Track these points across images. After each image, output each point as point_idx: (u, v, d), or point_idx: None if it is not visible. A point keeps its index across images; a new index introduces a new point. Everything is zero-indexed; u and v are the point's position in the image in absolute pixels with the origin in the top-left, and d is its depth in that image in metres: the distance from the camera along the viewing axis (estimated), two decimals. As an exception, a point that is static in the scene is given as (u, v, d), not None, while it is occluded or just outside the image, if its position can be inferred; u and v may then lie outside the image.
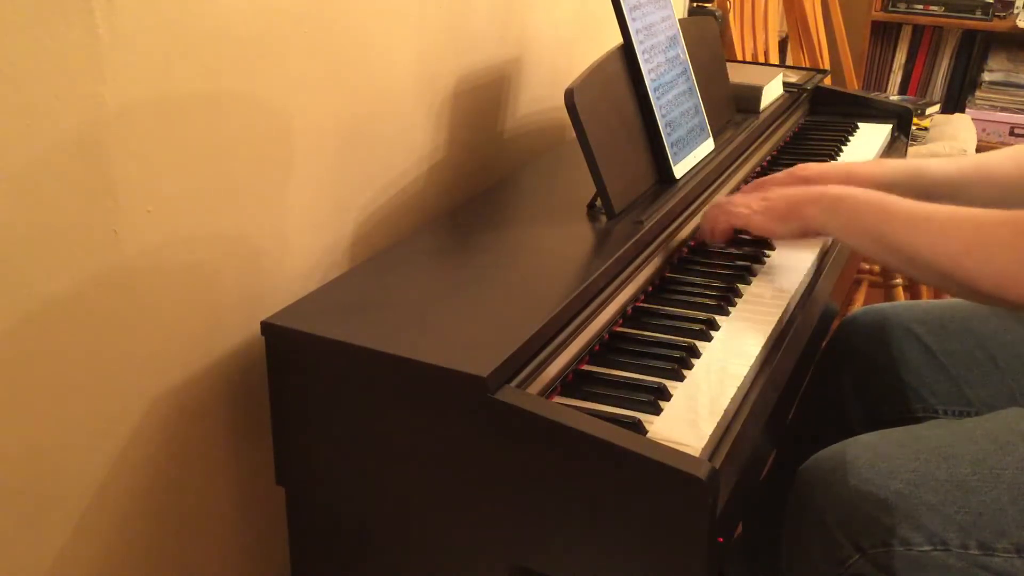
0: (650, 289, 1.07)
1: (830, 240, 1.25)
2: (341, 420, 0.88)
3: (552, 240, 1.05)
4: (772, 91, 1.60)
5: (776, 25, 2.49)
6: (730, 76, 1.50)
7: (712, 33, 1.45)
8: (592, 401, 0.87)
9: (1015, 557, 0.87)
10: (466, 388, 0.79)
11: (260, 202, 0.97)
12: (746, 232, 1.13)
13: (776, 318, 1.02)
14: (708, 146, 1.31)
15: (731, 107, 1.49)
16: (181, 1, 0.83)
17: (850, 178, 1.21)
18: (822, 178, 1.21)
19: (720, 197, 1.19)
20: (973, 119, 2.74)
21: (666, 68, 1.23)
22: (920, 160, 1.24)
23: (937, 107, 2.75)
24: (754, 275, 1.11)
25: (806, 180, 1.23)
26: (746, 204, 1.12)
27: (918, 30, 3.29)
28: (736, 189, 1.35)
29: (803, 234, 1.07)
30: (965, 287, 0.92)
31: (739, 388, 0.89)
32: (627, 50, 1.16)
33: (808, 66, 2.52)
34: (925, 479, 0.91)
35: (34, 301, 0.77)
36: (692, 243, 1.19)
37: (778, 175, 1.25)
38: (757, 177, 1.40)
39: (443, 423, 0.82)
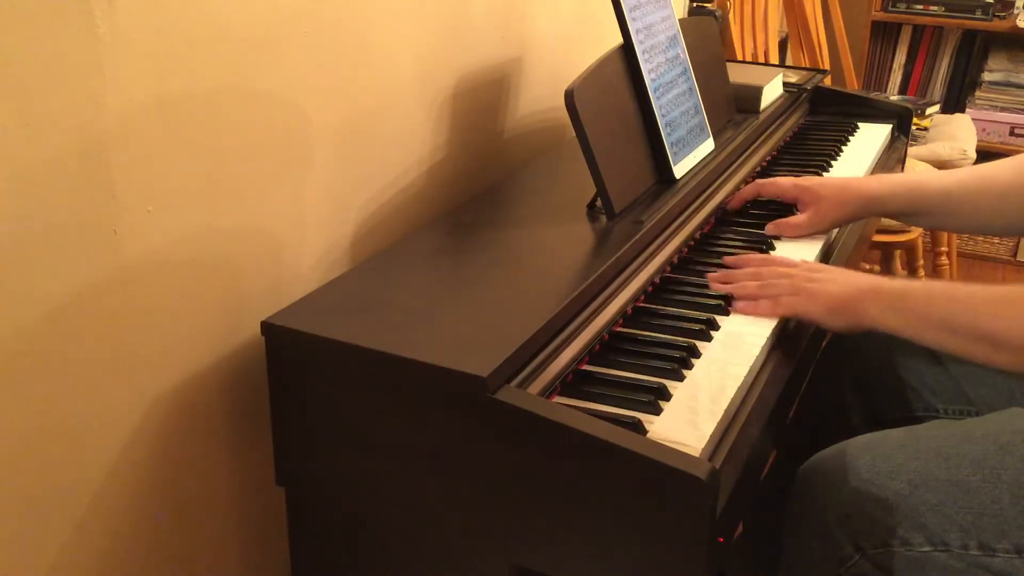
0: (650, 289, 1.07)
1: (832, 238, 1.26)
2: (341, 420, 0.88)
3: (552, 240, 1.05)
4: (772, 91, 1.60)
5: (776, 25, 2.49)
6: (730, 76, 1.50)
7: (712, 33, 1.45)
8: (592, 401, 0.87)
9: (1015, 558, 0.87)
10: (466, 388, 0.79)
11: (260, 202, 0.97)
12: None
13: (776, 318, 1.02)
14: (708, 146, 1.31)
15: (731, 107, 1.49)
16: (181, 1, 0.83)
17: (848, 192, 1.22)
18: (826, 191, 1.22)
19: (749, 265, 1.10)
20: (973, 119, 2.74)
21: (666, 68, 1.23)
22: (917, 175, 1.24)
23: (937, 107, 2.74)
24: (754, 275, 1.11)
25: (806, 191, 1.24)
26: (792, 284, 1.03)
27: (918, 30, 3.29)
28: (736, 189, 1.35)
29: (855, 330, 1.02)
30: None
31: (739, 388, 0.89)
32: (627, 50, 1.16)
33: (808, 66, 2.52)
34: (925, 479, 0.91)
35: (34, 301, 0.76)
36: (695, 239, 1.19)
37: (782, 183, 1.26)
38: (757, 177, 1.40)
39: (443, 423, 0.82)
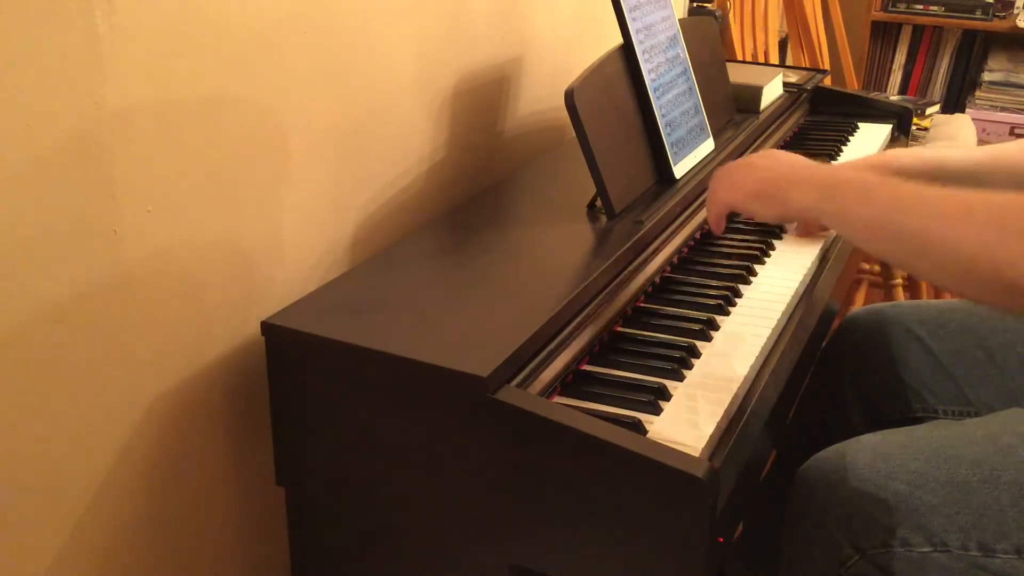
0: (650, 289, 1.07)
1: (831, 239, 1.26)
2: (341, 420, 0.88)
3: (552, 240, 1.05)
4: (772, 91, 1.60)
5: (776, 25, 2.49)
6: (730, 76, 1.50)
7: (712, 33, 1.45)
8: (592, 401, 0.87)
9: (1015, 558, 0.87)
10: (466, 388, 0.79)
11: (260, 202, 0.97)
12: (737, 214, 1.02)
13: (776, 318, 1.02)
14: (708, 146, 1.31)
15: (731, 107, 1.49)
16: (181, 1, 0.83)
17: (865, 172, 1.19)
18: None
19: (729, 164, 1.05)
20: (973, 119, 2.74)
21: (666, 68, 1.23)
22: (937, 152, 1.19)
23: (937, 107, 2.75)
24: (754, 275, 1.11)
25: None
26: (739, 182, 1.01)
27: (918, 30, 3.29)
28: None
29: (783, 218, 0.95)
30: (989, 273, 0.77)
31: (739, 388, 0.89)
32: (627, 50, 1.16)
33: (808, 66, 2.52)
34: (925, 480, 0.91)
35: (34, 301, 0.76)
36: (695, 239, 1.19)
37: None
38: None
39: (443, 423, 0.82)
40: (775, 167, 0.99)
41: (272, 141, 0.97)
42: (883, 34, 3.36)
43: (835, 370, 1.27)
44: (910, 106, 1.79)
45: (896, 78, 3.37)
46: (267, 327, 0.88)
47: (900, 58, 3.35)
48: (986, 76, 3.17)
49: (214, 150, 0.90)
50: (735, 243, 1.19)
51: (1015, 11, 3.10)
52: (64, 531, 0.84)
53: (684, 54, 1.29)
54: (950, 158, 1.17)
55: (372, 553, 0.94)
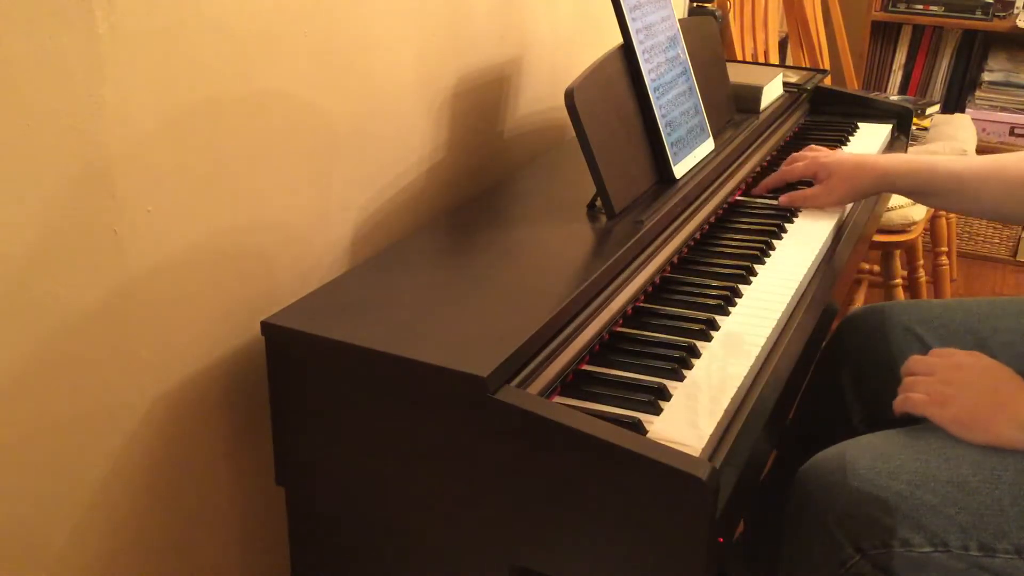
0: (650, 289, 1.07)
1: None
2: (341, 420, 0.88)
3: (552, 240, 1.05)
4: (772, 91, 1.60)
5: (776, 25, 2.49)
6: (730, 76, 1.50)
7: (712, 33, 1.45)
8: (592, 401, 0.87)
9: (1015, 558, 0.87)
10: (466, 388, 0.79)
11: (260, 202, 0.97)
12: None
13: (776, 318, 1.02)
14: (708, 146, 1.31)
15: (731, 107, 1.49)
16: (181, 1, 0.83)
17: (861, 168, 1.25)
18: (838, 166, 1.27)
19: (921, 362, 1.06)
20: (973, 119, 2.74)
21: (666, 68, 1.23)
22: (931, 156, 1.25)
23: (937, 107, 2.74)
24: (754, 275, 1.11)
25: (822, 167, 1.28)
26: (928, 385, 1.01)
27: (918, 30, 3.29)
28: (736, 188, 1.35)
29: (992, 445, 0.95)
30: None
31: (739, 388, 0.89)
32: (627, 50, 1.16)
33: (808, 66, 2.52)
34: (926, 480, 0.91)
35: (33, 301, 0.76)
36: (695, 239, 1.19)
37: (798, 167, 1.30)
38: (758, 177, 1.40)
39: (443, 423, 0.82)
40: (976, 388, 0.98)
41: (272, 141, 0.97)
42: (883, 34, 3.35)
43: (835, 370, 1.27)
44: (910, 106, 1.79)
45: (896, 78, 3.37)
46: (267, 327, 0.88)
47: (900, 58, 3.35)
48: (986, 76, 3.17)
49: (214, 150, 0.90)
50: (735, 243, 1.19)
51: (1015, 11, 3.10)
52: (65, 530, 0.84)
53: (684, 54, 1.29)
54: (940, 163, 1.21)
55: (372, 553, 0.94)
